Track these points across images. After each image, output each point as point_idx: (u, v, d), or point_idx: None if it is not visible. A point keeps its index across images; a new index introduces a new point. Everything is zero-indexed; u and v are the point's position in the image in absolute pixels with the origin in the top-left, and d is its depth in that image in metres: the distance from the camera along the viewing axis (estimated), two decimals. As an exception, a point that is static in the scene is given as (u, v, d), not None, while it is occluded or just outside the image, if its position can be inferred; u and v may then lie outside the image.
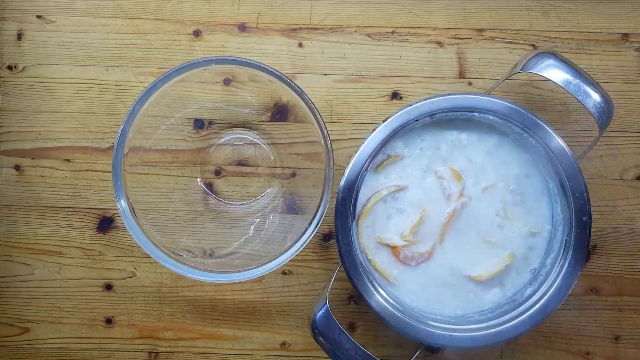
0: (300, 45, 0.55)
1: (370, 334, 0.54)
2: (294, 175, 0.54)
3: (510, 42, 0.55)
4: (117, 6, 0.55)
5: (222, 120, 0.54)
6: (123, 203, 0.46)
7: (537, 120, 0.47)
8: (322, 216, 0.46)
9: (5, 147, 0.55)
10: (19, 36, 0.55)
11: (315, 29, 0.55)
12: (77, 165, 0.55)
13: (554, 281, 0.47)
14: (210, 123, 0.54)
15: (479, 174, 0.50)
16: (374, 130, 0.47)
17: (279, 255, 0.47)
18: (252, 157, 0.55)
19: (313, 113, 0.46)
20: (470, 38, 0.55)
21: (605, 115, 0.46)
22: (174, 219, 0.53)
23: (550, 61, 0.47)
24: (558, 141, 0.47)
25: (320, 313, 0.46)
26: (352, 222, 0.48)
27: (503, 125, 0.49)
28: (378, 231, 0.49)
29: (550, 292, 0.47)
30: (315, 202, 0.47)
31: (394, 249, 0.49)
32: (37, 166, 0.55)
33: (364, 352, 0.45)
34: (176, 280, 0.54)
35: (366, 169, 0.48)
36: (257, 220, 0.53)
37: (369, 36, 0.55)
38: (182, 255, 0.48)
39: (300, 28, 0.55)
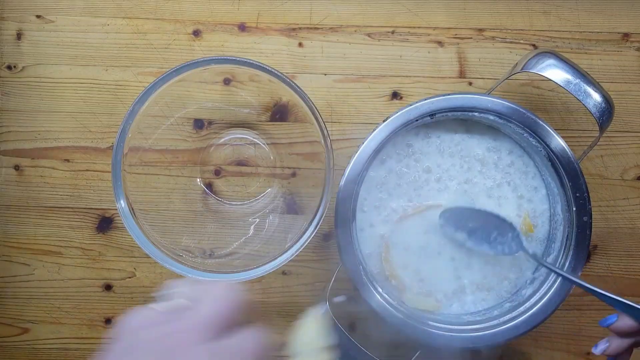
0: (300, 45, 0.55)
1: (370, 334, 0.54)
2: (294, 175, 0.54)
3: (511, 42, 0.55)
4: (117, 6, 0.55)
5: (222, 120, 0.54)
6: (123, 203, 0.46)
7: (538, 120, 0.47)
8: (322, 216, 0.46)
9: (4, 147, 0.55)
10: (19, 36, 0.55)
11: (315, 28, 0.55)
12: (77, 165, 0.55)
13: (554, 281, 0.47)
14: (210, 123, 0.54)
15: (479, 174, 0.50)
16: (374, 130, 0.47)
17: (279, 255, 0.47)
18: (252, 157, 0.54)
19: (313, 113, 0.46)
20: (471, 38, 0.55)
21: (606, 115, 0.46)
22: (174, 219, 0.53)
23: (551, 61, 0.47)
24: (558, 141, 0.47)
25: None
26: (352, 222, 0.47)
27: (503, 125, 0.48)
28: None
29: (550, 293, 0.47)
30: (315, 202, 0.47)
31: None
32: (36, 166, 0.55)
33: (363, 352, 0.45)
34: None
35: (366, 169, 0.48)
36: (257, 220, 0.53)
37: (369, 36, 0.55)
38: (181, 256, 0.48)
39: (300, 28, 0.55)
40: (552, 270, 0.46)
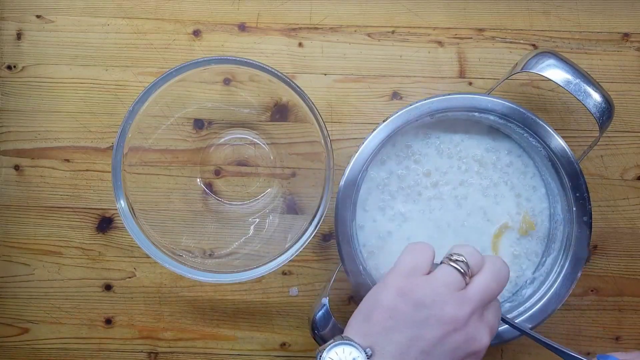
0: (300, 45, 0.55)
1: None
2: (294, 175, 0.54)
3: (511, 42, 0.55)
4: (117, 6, 0.55)
5: (222, 120, 0.54)
6: (123, 203, 0.46)
7: (538, 120, 0.47)
8: (322, 216, 0.46)
9: (4, 147, 0.55)
10: (19, 36, 0.55)
11: (315, 28, 0.55)
12: (77, 165, 0.55)
13: (554, 281, 0.47)
14: (210, 123, 0.54)
15: (476, 175, 0.50)
16: (374, 130, 0.47)
17: (279, 255, 0.47)
18: (252, 157, 0.54)
19: (313, 113, 0.46)
20: (471, 38, 0.55)
21: (606, 115, 0.46)
22: (174, 219, 0.53)
23: (551, 61, 0.47)
24: (558, 141, 0.47)
25: (320, 313, 0.46)
26: (352, 222, 0.47)
27: (503, 125, 0.48)
28: None
29: (550, 293, 0.47)
30: (315, 202, 0.47)
31: None
32: (36, 166, 0.55)
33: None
34: (176, 281, 0.54)
35: (366, 169, 0.48)
36: (257, 220, 0.53)
37: (369, 36, 0.55)
38: (181, 256, 0.48)
39: (300, 28, 0.55)
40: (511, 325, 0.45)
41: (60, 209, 0.55)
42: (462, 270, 0.37)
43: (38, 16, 0.55)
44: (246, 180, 0.54)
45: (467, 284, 0.37)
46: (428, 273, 0.38)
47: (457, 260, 0.37)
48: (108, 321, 0.54)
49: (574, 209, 0.47)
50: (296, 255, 0.46)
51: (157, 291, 0.54)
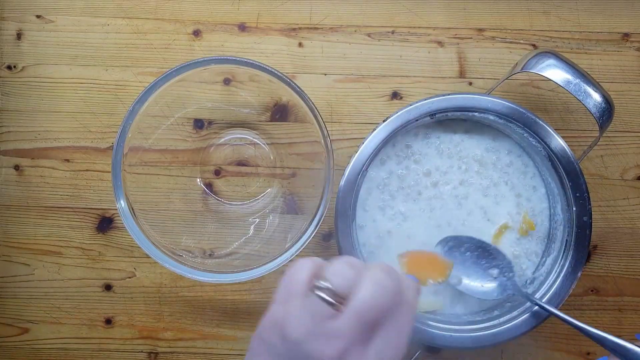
0: (300, 45, 0.55)
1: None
2: (294, 175, 0.54)
3: (511, 42, 0.55)
4: (117, 6, 0.55)
5: (222, 120, 0.54)
6: (122, 203, 0.46)
7: (538, 120, 0.47)
8: (322, 216, 0.46)
9: (4, 147, 0.55)
10: (19, 36, 0.55)
11: (315, 28, 0.55)
12: (77, 165, 0.55)
13: (554, 281, 0.47)
14: (210, 123, 0.54)
15: (476, 174, 0.50)
16: (374, 130, 0.47)
17: (279, 255, 0.47)
18: (252, 157, 0.54)
19: (313, 113, 0.46)
20: (471, 38, 0.55)
21: (606, 115, 0.46)
22: (174, 219, 0.53)
23: (551, 61, 0.47)
24: (558, 141, 0.47)
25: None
26: (352, 222, 0.47)
27: (503, 125, 0.49)
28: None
29: (550, 293, 0.47)
30: (315, 202, 0.47)
31: None
32: (36, 166, 0.55)
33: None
34: (176, 281, 0.54)
35: (366, 169, 0.48)
36: (257, 220, 0.53)
37: (369, 36, 0.55)
38: (181, 256, 0.48)
39: (300, 28, 0.55)
40: (546, 309, 0.45)
41: (60, 209, 0.55)
42: (326, 299, 0.32)
43: (38, 16, 0.55)
44: (246, 180, 0.54)
45: (340, 310, 0.32)
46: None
47: (319, 287, 0.32)
48: (108, 321, 0.54)
49: (574, 209, 0.47)
50: (296, 255, 0.46)
51: (157, 291, 0.54)
